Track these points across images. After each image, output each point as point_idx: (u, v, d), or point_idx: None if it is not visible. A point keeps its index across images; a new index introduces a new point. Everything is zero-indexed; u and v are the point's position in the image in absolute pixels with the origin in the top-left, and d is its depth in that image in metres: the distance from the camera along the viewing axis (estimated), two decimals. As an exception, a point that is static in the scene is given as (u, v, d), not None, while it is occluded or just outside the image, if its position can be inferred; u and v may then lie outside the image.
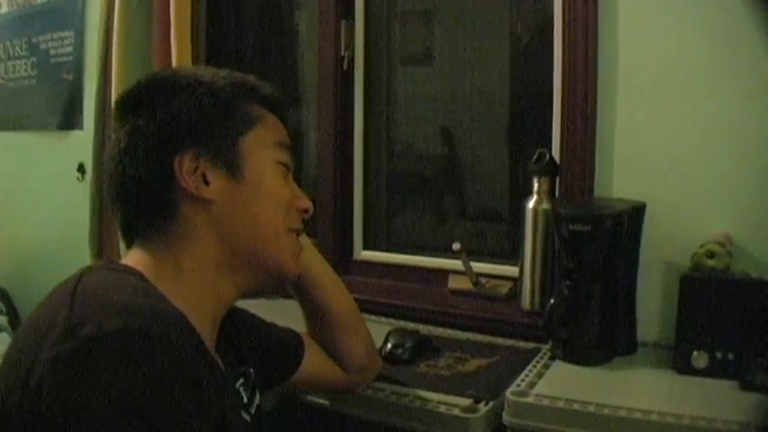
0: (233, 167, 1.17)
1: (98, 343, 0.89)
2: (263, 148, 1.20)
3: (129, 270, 1.10)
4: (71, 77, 3.10)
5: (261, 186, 1.19)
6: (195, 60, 2.59)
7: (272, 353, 1.44)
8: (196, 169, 1.14)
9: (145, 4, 2.59)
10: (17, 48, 3.30)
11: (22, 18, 3.26)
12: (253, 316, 1.47)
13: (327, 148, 2.48)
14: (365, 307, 2.13)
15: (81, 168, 2.94)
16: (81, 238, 2.73)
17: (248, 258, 1.18)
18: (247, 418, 1.27)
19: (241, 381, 1.29)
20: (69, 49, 3.11)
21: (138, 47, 2.61)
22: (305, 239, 1.42)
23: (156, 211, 1.15)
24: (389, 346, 1.84)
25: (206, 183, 1.14)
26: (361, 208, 2.51)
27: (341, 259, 2.48)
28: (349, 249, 2.50)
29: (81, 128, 3.04)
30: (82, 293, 0.99)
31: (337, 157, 2.47)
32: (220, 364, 1.17)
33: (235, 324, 1.35)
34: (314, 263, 1.50)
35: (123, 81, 2.51)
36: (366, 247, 2.51)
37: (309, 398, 1.69)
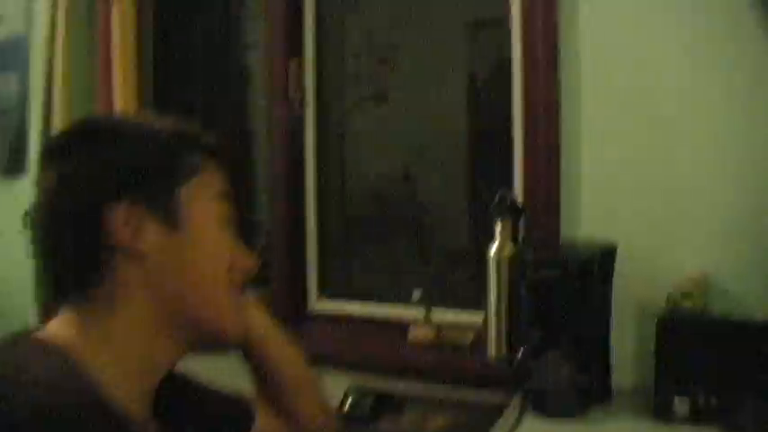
0: (170, 219, 1.06)
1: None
2: (203, 199, 1.10)
3: (45, 342, 1.01)
4: (14, 122, 2.98)
5: (200, 239, 1.08)
6: (141, 105, 2.50)
7: (216, 422, 1.31)
8: (131, 218, 1.03)
9: (87, 46, 2.51)
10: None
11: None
12: (196, 382, 1.34)
13: (278, 190, 2.38)
14: (321, 360, 2.03)
15: (27, 216, 2.79)
16: (23, 294, 2.61)
17: (186, 319, 1.07)
18: None
19: None
20: (13, 90, 2.99)
21: (81, 90, 2.54)
22: (248, 296, 1.32)
23: (83, 269, 1.04)
24: (348, 404, 1.74)
25: (141, 235, 1.03)
26: (315, 253, 2.41)
27: (295, 311, 2.37)
28: (303, 299, 2.39)
29: (26, 174, 2.91)
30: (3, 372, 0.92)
31: (289, 199, 2.38)
32: None
33: (173, 390, 1.22)
34: (259, 321, 1.36)
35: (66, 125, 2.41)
36: (322, 295, 2.40)
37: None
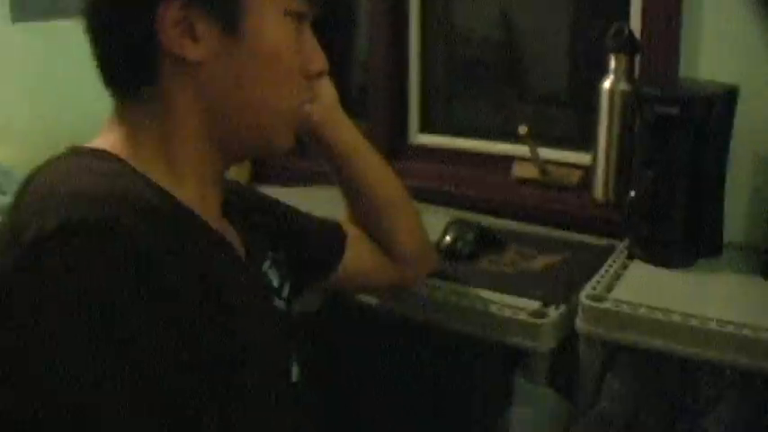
0: (229, 22, 0.93)
1: (39, 247, 0.73)
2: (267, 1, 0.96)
3: (96, 152, 0.92)
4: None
5: (262, 48, 0.96)
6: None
7: (308, 244, 1.30)
8: (183, 20, 0.91)
9: None
10: None
11: None
12: (286, 206, 1.34)
13: (380, 26, 2.28)
14: (421, 195, 1.98)
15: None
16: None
17: (236, 132, 0.99)
18: (281, 305, 1.15)
19: (268, 263, 1.15)
20: None
21: None
22: (338, 114, 1.31)
23: (131, 70, 0.95)
24: (448, 239, 1.70)
25: (194, 40, 0.92)
26: (417, 90, 2.32)
27: (395, 143, 2.31)
28: (404, 133, 2.33)
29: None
30: (32, 190, 0.84)
31: (391, 32, 2.27)
32: (236, 242, 1.06)
33: (263, 210, 1.25)
34: (353, 141, 1.34)
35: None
36: (423, 131, 2.33)
37: (358, 298, 1.55)
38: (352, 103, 2.44)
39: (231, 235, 1.07)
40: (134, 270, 0.74)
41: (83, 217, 0.74)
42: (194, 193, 0.96)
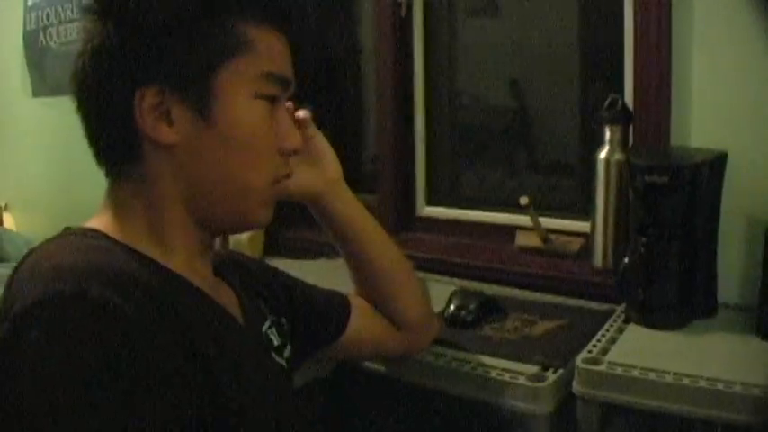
0: (202, 107, 0.97)
1: (24, 319, 0.79)
2: (242, 83, 1.00)
3: (86, 230, 0.98)
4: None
5: (233, 133, 0.99)
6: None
7: (311, 314, 1.34)
8: (159, 105, 0.96)
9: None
10: (68, 11, 3.23)
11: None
12: (290, 276, 1.39)
13: (386, 99, 2.36)
14: (428, 266, 2.06)
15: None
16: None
17: (213, 209, 1.03)
18: (281, 361, 1.20)
19: (268, 324, 1.21)
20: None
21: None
22: (340, 187, 1.35)
23: (116, 152, 1.00)
24: (452, 307, 1.75)
25: (170, 124, 0.97)
26: (423, 161, 2.40)
27: (403, 215, 2.38)
28: (411, 205, 2.40)
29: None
30: (23, 268, 0.89)
31: (397, 109, 2.35)
32: (232, 303, 1.12)
33: (266, 279, 1.30)
34: (354, 214, 1.38)
35: None
36: (429, 203, 2.40)
37: (366, 365, 1.60)
38: (364, 177, 2.54)
39: (227, 296, 1.12)
40: (107, 339, 0.78)
41: (58, 290, 0.79)
42: (183, 261, 1.01)
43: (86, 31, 0.99)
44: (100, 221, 1.00)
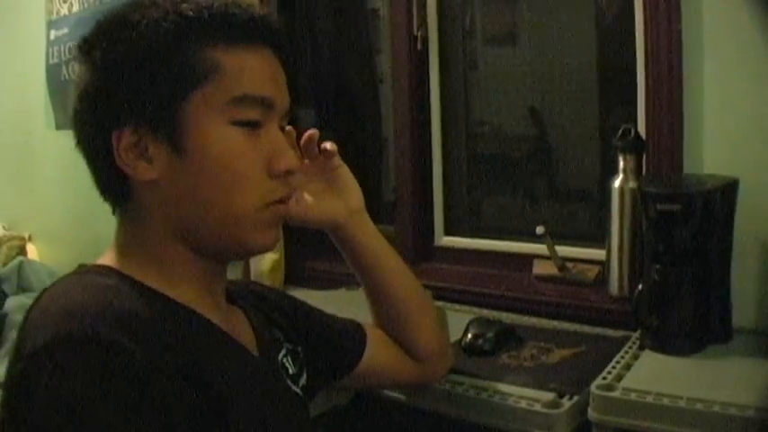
0: (175, 141, 0.98)
1: (34, 359, 0.82)
2: (210, 112, 0.98)
3: (97, 268, 1.01)
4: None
5: (207, 163, 0.99)
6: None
7: (326, 343, 1.36)
8: (137, 143, 0.97)
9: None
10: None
11: (93, 16, 3.25)
12: (308, 306, 1.41)
13: (404, 131, 2.40)
14: (446, 295, 2.09)
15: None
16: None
17: (208, 238, 1.03)
18: (297, 390, 1.21)
19: (283, 352, 1.23)
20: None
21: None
22: (362, 217, 1.37)
23: (110, 189, 1.03)
24: (470, 335, 1.77)
25: (149, 161, 0.98)
26: (441, 192, 2.42)
27: (421, 246, 2.41)
28: (429, 235, 2.42)
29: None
30: (37, 306, 0.92)
31: (415, 139, 2.38)
32: (245, 331, 1.14)
33: (282, 308, 1.32)
34: (374, 244, 1.40)
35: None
36: (447, 233, 2.42)
37: (385, 393, 1.62)
38: (384, 208, 2.57)
39: (241, 325, 1.15)
40: (116, 380, 0.80)
41: (68, 332, 0.82)
42: (192, 292, 1.03)
43: (77, 74, 1.02)
44: (111, 257, 1.03)
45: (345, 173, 1.37)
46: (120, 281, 0.97)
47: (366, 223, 1.39)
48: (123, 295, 0.92)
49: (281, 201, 1.06)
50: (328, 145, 1.32)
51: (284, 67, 1.09)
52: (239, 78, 1.00)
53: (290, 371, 1.22)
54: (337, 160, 1.35)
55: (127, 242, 1.03)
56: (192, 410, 0.88)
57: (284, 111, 1.08)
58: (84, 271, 1.01)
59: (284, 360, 1.22)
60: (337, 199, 1.34)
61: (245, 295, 1.26)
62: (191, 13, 0.98)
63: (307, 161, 1.32)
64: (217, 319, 1.05)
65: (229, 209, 1.00)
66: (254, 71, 1.02)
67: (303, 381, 1.25)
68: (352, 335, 1.41)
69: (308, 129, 1.32)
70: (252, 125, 1.02)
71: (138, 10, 0.99)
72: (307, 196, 1.30)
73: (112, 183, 1.02)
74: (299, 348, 1.28)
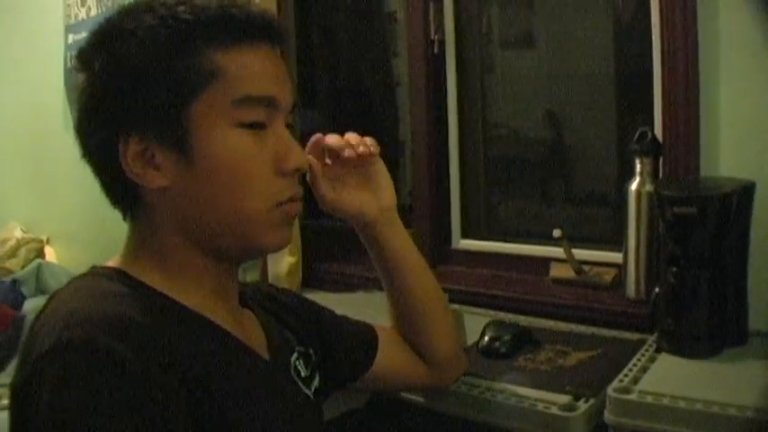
0: (181, 146, 0.98)
1: (39, 364, 0.84)
2: (217, 114, 0.98)
3: (107, 270, 1.02)
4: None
5: (215, 167, 0.99)
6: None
7: (339, 346, 1.36)
8: (144, 152, 0.97)
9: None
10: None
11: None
12: (320, 308, 1.41)
13: (420, 134, 2.40)
14: (463, 298, 2.09)
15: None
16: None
17: (218, 240, 1.03)
18: (308, 392, 1.21)
19: (295, 355, 1.22)
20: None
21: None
22: (393, 215, 1.37)
23: (119, 195, 1.04)
24: (487, 338, 1.78)
25: (157, 168, 0.98)
26: (458, 195, 2.43)
27: (438, 249, 2.41)
28: (447, 238, 2.43)
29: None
30: (46, 310, 0.95)
31: (431, 144, 2.39)
32: (255, 334, 1.15)
33: (295, 310, 1.32)
34: (401, 244, 1.40)
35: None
36: (464, 236, 2.43)
37: (402, 395, 1.63)
38: (402, 211, 2.57)
39: (252, 328, 1.15)
40: (113, 385, 0.82)
41: (70, 338, 0.83)
42: (202, 296, 1.03)
43: (79, 85, 1.02)
44: (122, 260, 1.04)
45: (382, 170, 1.37)
46: (126, 285, 0.97)
47: (395, 223, 1.39)
48: (127, 301, 0.93)
49: (292, 199, 1.06)
50: (371, 145, 1.32)
51: (285, 60, 1.09)
52: (240, 80, 0.99)
53: (303, 373, 1.21)
54: (376, 157, 1.35)
55: (138, 246, 1.04)
56: (191, 417, 0.88)
57: (290, 107, 1.07)
58: (94, 273, 1.02)
59: (296, 363, 1.21)
60: (371, 194, 1.34)
61: (256, 297, 1.27)
62: (187, 16, 0.97)
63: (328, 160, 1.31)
64: (227, 322, 1.06)
65: (240, 211, 1.01)
66: (255, 71, 1.01)
67: (316, 383, 1.25)
68: (363, 338, 1.41)
69: (325, 132, 1.32)
70: (257, 126, 1.01)
71: (133, 17, 0.98)
72: (340, 187, 1.31)
73: (122, 191, 1.02)
74: (311, 351, 1.28)
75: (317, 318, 1.37)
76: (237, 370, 1.02)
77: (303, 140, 1.23)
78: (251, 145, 1.00)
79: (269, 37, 1.04)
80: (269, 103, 1.02)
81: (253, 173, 1.01)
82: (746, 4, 1.68)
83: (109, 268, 1.03)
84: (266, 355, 1.13)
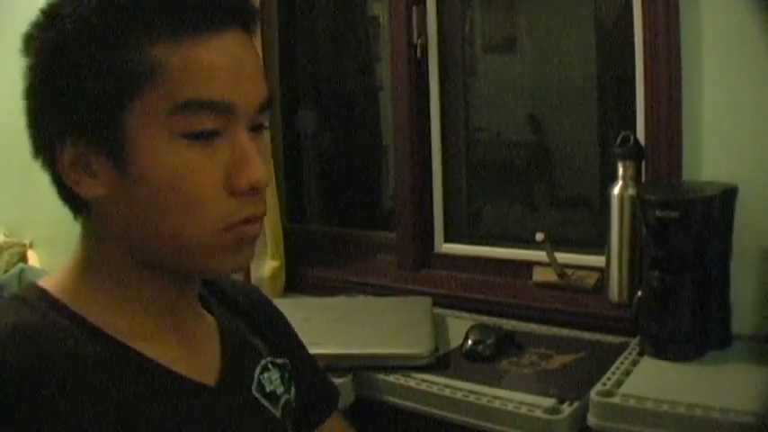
0: (116, 154, 0.84)
1: None
2: (153, 123, 0.82)
3: (33, 291, 0.90)
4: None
5: (152, 183, 0.84)
6: (265, 57, 2.56)
7: (308, 380, 1.22)
8: (80, 158, 0.85)
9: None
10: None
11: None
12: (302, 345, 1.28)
13: (403, 138, 2.40)
14: (446, 302, 2.10)
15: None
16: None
17: (163, 259, 0.89)
18: (273, 410, 1.05)
19: (263, 364, 1.07)
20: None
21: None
22: None
23: (69, 205, 0.92)
24: (470, 342, 1.78)
25: (93, 176, 0.85)
26: (441, 199, 2.42)
27: (421, 253, 2.41)
28: (430, 242, 2.43)
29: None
30: None
31: (414, 148, 2.39)
32: (196, 361, 0.97)
33: (277, 324, 1.20)
34: None
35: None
36: (447, 240, 2.43)
37: (386, 397, 1.64)
38: (384, 215, 2.58)
39: (204, 341, 1.01)
40: None
41: None
42: (137, 316, 0.92)
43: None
44: (59, 275, 0.93)
45: None
46: (38, 313, 0.86)
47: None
48: (17, 339, 0.81)
49: (248, 221, 0.88)
50: None
51: (263, 47, 0.94)
52: (184, 80, 0.82)
53: (268, 388, 1.05)
54: None
55: (81, 258, 0.92)
56: None
57: (257, 108, 0.89)
58: (20, 295, 0.90)
59: (261, 377, 1.05)
60: None
61: (237, 301, 1.14)
62: (126, 3, 0.82)
63: None
64: (164, 344, 0.93)
65: (181, 234, 0.85)
66: (203, 68, 0.83)
67: (291, 395, 1.11)
68: (324, 395, 1.30)
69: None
70: (206, 136, 0.84)
71: (70, 1, 0.83)
72: None
73: (66, 195, 0.90)
74: (287, 361, 1.13)
75: (298, 346, 1.25)
76: (150, 403, 0.87)
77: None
78: (196, 159, 0.84)
79: (231, 22, 0.86)
80: (221, 108, 0.84)
81: (196, 192, 0.84)
82: (732, 7, 1.69)
83: (36, 289, 0.90)
84: (213, 378, 0.98)
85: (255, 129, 0.90)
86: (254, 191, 0.87)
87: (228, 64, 0.84)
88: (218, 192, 0.85)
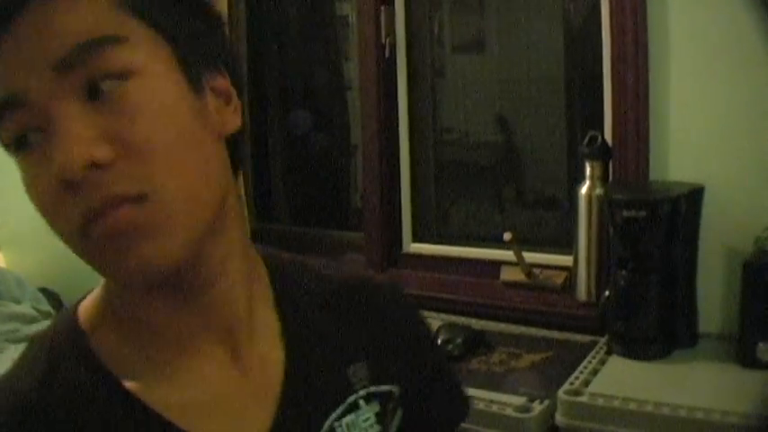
0: None
1: None
2: None
3: (69, 317, 0.81)
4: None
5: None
6: (235, 41, 2.55)
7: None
8: None
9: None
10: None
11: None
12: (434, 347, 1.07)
13: (371, 138, 2.40)
14: (415, 301, 2.08)
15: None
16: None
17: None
18: None
19: (343, 409, 0.83)
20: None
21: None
22: None
23: None
24: (440, 341, 1.78)
25: None
26: (408, 199, 2.43)
27: (389, 252, 2.41)
28: (398, 242, 2.43)
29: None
30: None
31: (382, 147, 2.39)
32: (240, 401, 0.78)
33: (400, 337, 0.91)
34: None
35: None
36: (415, 240, 2.43)
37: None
38: (352, 214, 2.58)
39: (260, 372, 0.81)
40: None
41: None
42: (153, 353, 0.78)
43: None
44: (91, 299, 0.82)
45: None
46: (66, 347, 0.78)
47: None
48: (32, 381, 0.75)
49: (98, 214, 0.67)
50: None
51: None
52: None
53: None
54: None
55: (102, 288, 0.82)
56: None
57: (52, 66, 0.65)
58: (53, 339, 0.80)
59: (336, 424, 0.82)
60: None
61: (346, 308, 0.89)
62: None
63: None
64: (184, 387, 0.77)
65: (67, 243, 0.71)
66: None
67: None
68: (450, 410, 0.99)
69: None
70: (24, 143, 0.69)
71: None
72: None
73: None
74: (396, 388, 0.88)
75: (421, 361, 0.94)
76: None
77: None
78: (31, 170, 0.70)
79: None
80: (11, 105, 0.67)
81: (39, 205, 0.71)
82: (700, 8, 1.71)
83: (69, 324, 0.80)
84: (267, 424, 0.78)
85: (94, 94, 0.67)
86: (69, 186, 0.66)
87: (12, 44, 0.66)
88: (55, 196, 0.67)
